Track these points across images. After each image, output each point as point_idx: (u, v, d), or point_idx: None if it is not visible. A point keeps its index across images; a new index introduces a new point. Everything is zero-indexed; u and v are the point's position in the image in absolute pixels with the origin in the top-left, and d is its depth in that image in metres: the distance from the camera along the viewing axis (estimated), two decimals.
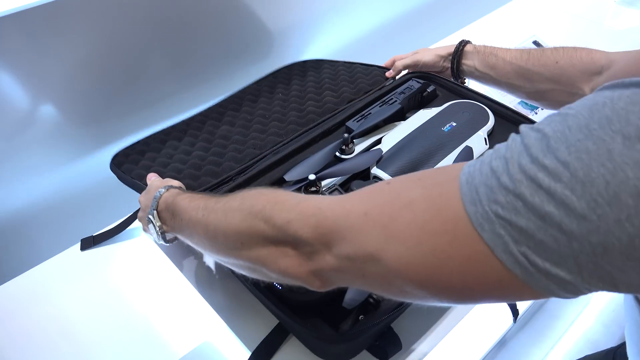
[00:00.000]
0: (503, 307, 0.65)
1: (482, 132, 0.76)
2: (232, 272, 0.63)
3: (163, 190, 0.58)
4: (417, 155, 0.72)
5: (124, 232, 0.76)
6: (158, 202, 0.57)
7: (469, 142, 0.74)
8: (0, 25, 0.67)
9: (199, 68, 0.96)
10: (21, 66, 0.72)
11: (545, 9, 1.29)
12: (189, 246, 0.72)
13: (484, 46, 0.82)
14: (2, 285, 0.70)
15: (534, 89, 0.73)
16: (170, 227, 0.56)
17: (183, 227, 0.53)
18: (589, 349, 1.23)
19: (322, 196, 0.46)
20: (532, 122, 0.79)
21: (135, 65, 0.86)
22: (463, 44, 0.83)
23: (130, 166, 0.76)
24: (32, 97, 0.76)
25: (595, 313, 1.29)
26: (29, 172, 0.81)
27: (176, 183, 0.64)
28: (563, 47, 0.72)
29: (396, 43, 1.27)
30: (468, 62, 0.82)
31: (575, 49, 0.71)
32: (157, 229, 0.57)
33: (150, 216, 0.57)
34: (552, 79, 0.70)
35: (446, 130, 0.76)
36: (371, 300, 0.57)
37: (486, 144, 0.75)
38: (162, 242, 0.59)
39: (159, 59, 0.89)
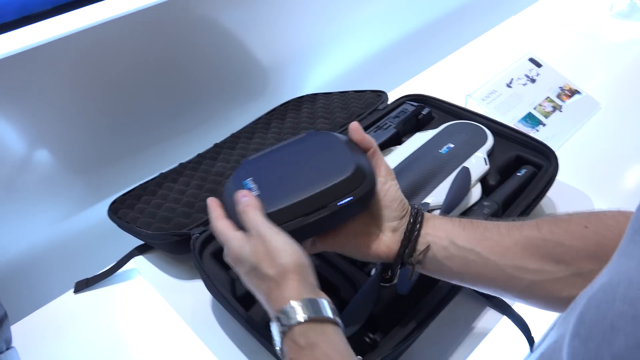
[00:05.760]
0: (517, 335, 0.62)
1: (481, 152, 0.74)
2: (233, 314, 0.61)
3: (300, 315, 0.39)
4: (415, 179, 0.70)
5: (119, 274, 0.74)
6: (286, 333, 0.40)
7: (466, 163, 0.71)
8: None
9: (195, 109, 0.96)
10: (14, 112, 0.73)
11: (540, 26, 1.28)
12: (185, 287, 0.70)
13: (454, 219, 0.50)
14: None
15: (568, 272, 0.43)
16: None
17: None
18: None
19: None
20: (533, 140, 0.77)
21: (131, 111, 0.86)
22: (420, 215, 0.49)
23: (125, 211, 0.75)
24: (26, 145, 0.76)
25: None
26: (24, 220, 0.80)
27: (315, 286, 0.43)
28: (577, 213, 0.46)
29: (393, 68, 1.26)
30: (436, 233, 0.48)
31: (598, 214, 0.45)
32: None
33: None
34: (593, 255, 0.42)
35: (444, 152, 0.74)
36: (367, 339, 0.53)
37: (486, 164, 0.72)
38: None
39: (155, 103, 0.89)
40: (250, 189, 0.49)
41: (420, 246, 0.48)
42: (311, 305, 0.40)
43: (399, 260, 0.48)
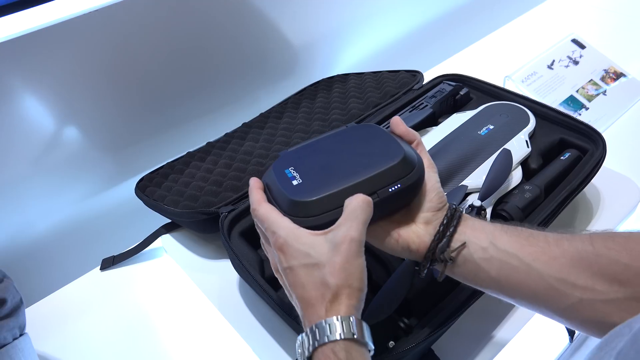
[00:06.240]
0: (557, 326, 0.59)
1: (523, 135, 0.70)
2: (262, 295, 0.59)
3: (352, 332, 0.38)
4: (453, 161, 0.67)
5: (145, 252, 0.73)
6: (326, 343, 0.38)
7: (507, 145, 0.68)
8: (20, 45, 0.66)
9: (224, 88, 0.94)
10: (44, 88, 0.72)
11: (583, 7, 1.23)
12: (212, 266, 0.69)
13: (495, 222, 0.46)
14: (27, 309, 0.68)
15: (622, 294, 0.38)
16: None
17: None
18: None
19: None
20: (579, 122, 0.73)
21: (159, 89, 0.85)
22: (458, 212, 0.45)
23: (153, 189, 0.74)
24: (56, 121, 0.75)
25: None
26: (52, 197, 0.80)
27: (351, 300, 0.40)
28: (639, 231, 0.41)
29: (427, 49, 1.22)
30: (475, 233, 0.44)
31: None
32: None
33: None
34: None
35: (483, 133, 0.70)
36: (402, 325, 0.51)
37: (528, 146, 0.69)
38: None
39: (183, 82, 0.87)
40: (292, 178, 0.46)
41: (455, 243, 0.44)
42: (365, 329, 0.39)
43: (429, 255, 0.44)
